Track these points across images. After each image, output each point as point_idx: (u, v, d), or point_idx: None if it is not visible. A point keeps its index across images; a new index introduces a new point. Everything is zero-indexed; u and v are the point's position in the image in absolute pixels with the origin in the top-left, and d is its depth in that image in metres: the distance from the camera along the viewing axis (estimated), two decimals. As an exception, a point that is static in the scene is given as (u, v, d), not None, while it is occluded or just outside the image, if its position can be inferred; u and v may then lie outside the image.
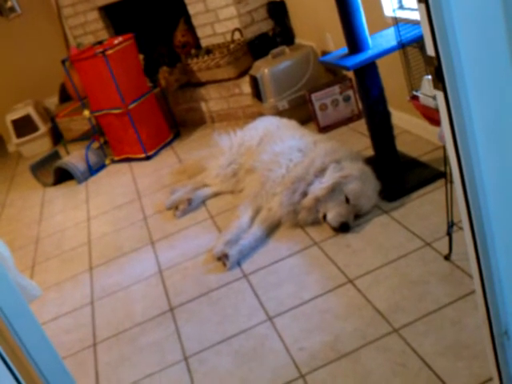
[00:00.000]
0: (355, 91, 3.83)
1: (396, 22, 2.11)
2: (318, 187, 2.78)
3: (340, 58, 2.77)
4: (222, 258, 2.77)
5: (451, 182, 2.18)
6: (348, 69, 2.61)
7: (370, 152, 3.15)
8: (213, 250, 2.86)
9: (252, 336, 2.26)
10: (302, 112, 4.02)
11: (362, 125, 3.74)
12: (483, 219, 1.13)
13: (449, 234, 2.24)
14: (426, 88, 1.87)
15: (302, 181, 2.87)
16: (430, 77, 1.90)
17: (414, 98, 1.97)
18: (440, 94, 1.03)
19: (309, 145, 3.08)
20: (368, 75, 2.77)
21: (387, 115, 2.88)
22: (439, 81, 1.02)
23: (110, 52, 4.30)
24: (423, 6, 0.97)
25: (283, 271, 2.60)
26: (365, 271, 2.40)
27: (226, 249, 2.78)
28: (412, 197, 2.79)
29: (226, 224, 3.12)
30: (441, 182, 2.82)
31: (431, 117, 1.91)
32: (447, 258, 2.28)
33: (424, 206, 2.69)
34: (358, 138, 3.62)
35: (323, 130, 3.88)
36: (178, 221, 3.41)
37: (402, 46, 2.05)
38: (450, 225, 2.22)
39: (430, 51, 1.01)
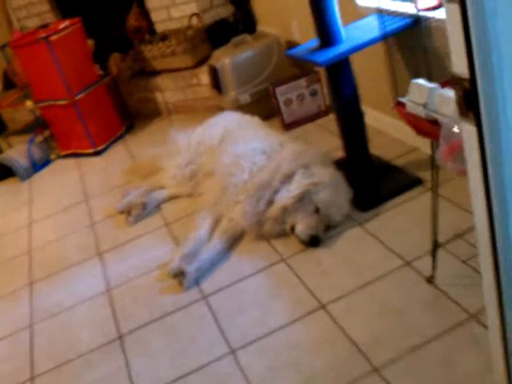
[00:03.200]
0: (323, 85, 3.55)
1: (380, 11, 1.82)
2: (286, 196, 2.50)
3: (310, 51, 2.48)
4: (179, 275, 2.47)
5: (436, 193, 1.93)
6: (319, 65, 2.33)
7: (340, 153, 2.89)
8: (168, 265, 2.55)
9: (212, 374, 1.97)
10: (264, 106, 3.72)
11: (329, 121, 3.47)
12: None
13: (433, 255, 1.99)
14: (415, 94, 1.60)
15: (267, 188, 2.58)
16: (419, 81, 1.63)
17: (400, 104, 1.70)
18: (469, 128, 0.75)
19: (274, 146, 2.79)
20: (340, 72, 2.49)
21: (360, 116, 2.62)
22: (469, 109, 0.74)
23: (54, 38, 3.89)
24: (455, 7, 0.68)
25: (247, 293, 2.31)
26: (338, 295, 2.14)
27: (183, 265, 2.48)
28: (387, 206, 2.55)
29: (182, 233, 2.81)
30: (417, 190, 2.58)
31: (419, 127, 1.65)
32: (430, 280, 2.04)
33: (401, 218, 2.45)
34: (327, 137, 3.35)
35: (288, 126, 3.59)
36: (129, 228, 3.08)
37: (386, 42, 1.78)
38: (435, 245, 1.97)
39: (460, 68, 0.73)
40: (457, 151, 1.30)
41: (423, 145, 2.71)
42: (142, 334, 2.27)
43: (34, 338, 2.47)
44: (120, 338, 2.29)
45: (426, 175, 2.61)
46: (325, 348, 1.93)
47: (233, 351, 2.03)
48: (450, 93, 1.48)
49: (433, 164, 1.88)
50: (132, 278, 2.64)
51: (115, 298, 2.55)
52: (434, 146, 1.70)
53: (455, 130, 1.25)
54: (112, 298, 2.55)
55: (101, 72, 4.64)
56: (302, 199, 2.46)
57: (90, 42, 4.93)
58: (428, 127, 1.58)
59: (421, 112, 1.58)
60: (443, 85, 1.56)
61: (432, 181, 1.97)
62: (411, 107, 1.62)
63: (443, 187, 2.43)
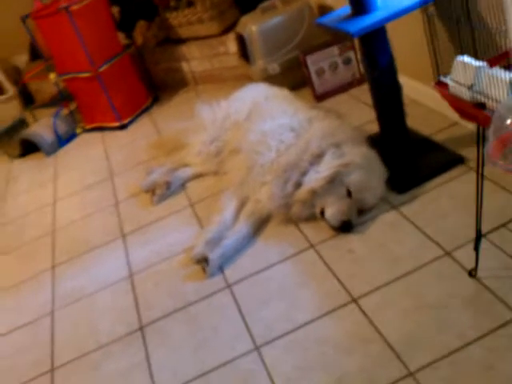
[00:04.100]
0: (357, 52, 3.33)
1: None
2: (314, 178, 2.34)
3: (342, 20, 2.27)
4: (202, 261, 2.35)
5: (481, 175, 1.74)
6: (352, 36, 2.13)
7: (375, 126, 2.69)
8: (192, 251, 2.44)
9: (235, 371, 1.86)
10: (295, 76, 3.52)
11: (364, 91, 3.25)
12: None
13: (476, 245, 1.81)
14: (459, 73, 1.41)
15: (295, 168, 2.42)
16: (464, 58, 1.43)
17: (441, 83, 1.51)
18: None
19: (303, 123, 2.61)
20: (375, 41, 2.28)
21: (397, 89, 2.41)
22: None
23: (74, 7, 3.74)
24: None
25: (273, 282, 2.18)
26: (371, 287, 1.98)
27: (207, 251, 2.36)
28: (425, 188, 2.36)
29: (207, 214, 2.69)
30: (459, 170, 2.38)
31: (463, 111, 1.46)
32: (472, 274, 1.86)
33: (441, 201, 2.26)
34: (360, 109, 3.15)
35: (320, 97, 3.39)
36: (153, 208, 2.97)
37: (425, 10, 1.57)
38: (479, 236, 1.79)
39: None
40: (509, 145, 1.11)
41: (465, 119, 2.49)
42: (163, 324, 2.17)
43: (55, 325, 2.40)
44: (141, 328, 2.20)
45: (468, 153, 2.41)
46: (356, 346, 1.79)
47: (257, 347, 1.91)
48: (501, 73, 1.28)
49: (478, 141, 1.68)
50: (155, 263, 2.54)
51: (137, 284, 2.45)
52: (480, 130, 1.51)
53: (508, 121, 1.07)
54: (134, 284, 2.45)
55: (127, 41, 4.49)
56: (333, 181, 2.29)
57: (115, 10, 4.77)
58: (474, 111, 1.38)
59: (466, 94, 1.38)
60: (492, 63, 1.36)
61: (477, 160, 1.78)
62: (455, 88, 1.43)
63: (488, 167, 2.22)
